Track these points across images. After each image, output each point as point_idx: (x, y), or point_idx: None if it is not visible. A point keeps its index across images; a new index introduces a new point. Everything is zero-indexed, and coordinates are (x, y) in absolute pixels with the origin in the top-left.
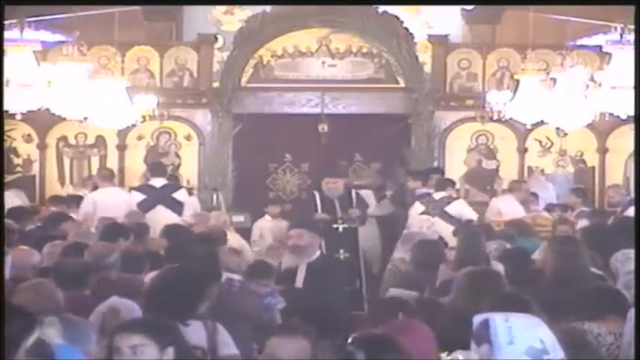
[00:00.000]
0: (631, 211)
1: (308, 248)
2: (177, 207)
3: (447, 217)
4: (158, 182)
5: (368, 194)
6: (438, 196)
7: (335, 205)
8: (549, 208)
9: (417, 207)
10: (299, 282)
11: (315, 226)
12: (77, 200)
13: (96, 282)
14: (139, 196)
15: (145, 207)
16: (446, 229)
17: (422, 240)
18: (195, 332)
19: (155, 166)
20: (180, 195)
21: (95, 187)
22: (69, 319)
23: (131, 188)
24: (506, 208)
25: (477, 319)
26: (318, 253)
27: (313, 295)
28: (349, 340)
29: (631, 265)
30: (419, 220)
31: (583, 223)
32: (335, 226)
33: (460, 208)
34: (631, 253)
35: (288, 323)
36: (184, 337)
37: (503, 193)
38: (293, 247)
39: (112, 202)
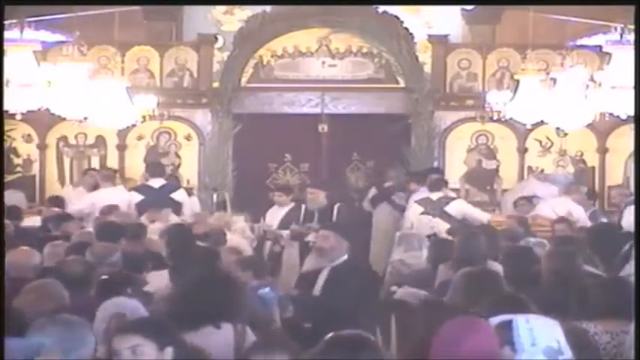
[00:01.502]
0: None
1: (332, 251)
2: (175, 207)
3: (446, 217)
4: (156, 183)
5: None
6: (435, 196)
7: (314, 218)
8: None
9: (416, 208)
10: (318, 287)
11: (343, 228)
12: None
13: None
14: (137, 197)
15: (144, 207)
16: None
17: (439, 239)
18: (224, 335)
19: (153, 167)
20: (178, 195)
21: (96, 187)
22: (67, 320)
23: (131, 188)
24: (575, 211)
25: (495, 321)
26: (344, 257)
27: (330, 302)
28: (326, 339)
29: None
30: (428, 221)
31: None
32: (307, 240)
33: (460, 208)
34: None
35: (268, 339)
36: (183, 338)
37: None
38: (317, 249)
39: (113, 202)
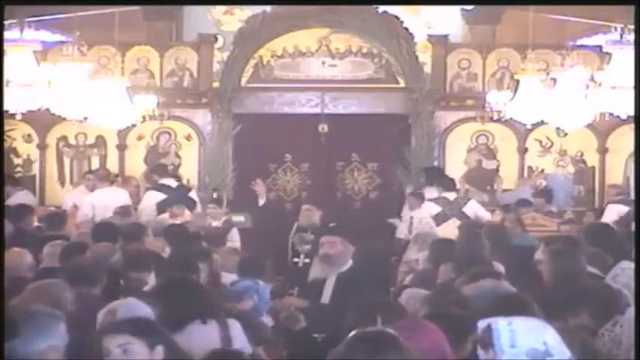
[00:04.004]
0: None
1: (339, 258)
2: (193, 206)
3: (464, 217)
4: (171, 182)
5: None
6: (451, 196)
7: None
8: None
9: (431, 208)
10: (326, 295)
11: (349, 233)
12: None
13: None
14: (160, 196)
15: (166, 206)
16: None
17: (440, 239)
18: (210, 329)
19: (162, 168)
20: (193, 194)
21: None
22: (34, 312)
23: (149, 188)
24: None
25: (482, 324)
26: (350, 263)
27: (342, 310)
28: (349, 337)
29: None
30: (427, 221)
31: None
32: (295, 260)
33: (475, 209)
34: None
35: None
36: (171, 337)
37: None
38: (323, 256)
39: (111, 202)
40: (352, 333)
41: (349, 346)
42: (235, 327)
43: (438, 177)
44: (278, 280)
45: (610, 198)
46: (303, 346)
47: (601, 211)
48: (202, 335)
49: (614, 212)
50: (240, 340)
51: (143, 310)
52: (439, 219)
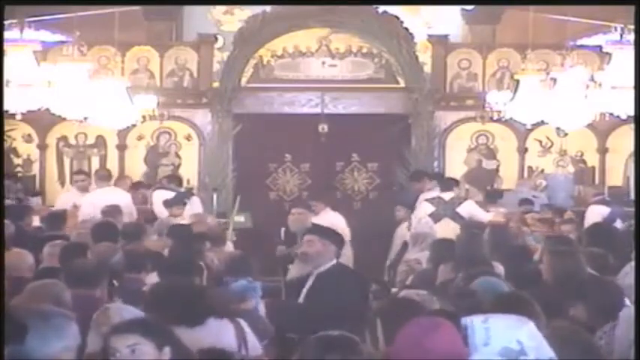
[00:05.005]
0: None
1: (318, 257)
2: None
3: (458, 218)
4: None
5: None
6: (447, 196)
7: (297, 241)
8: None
9: (427, 208)
10: (303, 294)
11: (329, 232)
12: None
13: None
14: (168, 194)
15: (174, 203)
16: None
17: (440, 239)
18: (227, 326)
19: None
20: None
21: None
22: (44, 311)
23: (155, 188)
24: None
25: (463, 322)
26: (332, 262)
27: (314, 310)
28: (310, 338)
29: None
30: (427, 222)
31: None
32: (290, 266)
33: (470, 209)
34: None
35: None
36: (179, 339)
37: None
38: (301, 255)
39: (111, 202)
40: (314, 336)
41: (308, 349)
42: (246, 326)
43: (424, 179)
44: (272, 281)
45: (589, 199)
46: (279, 346)
47: (582, 214)
48: (221, 331)
49: (595, 213)
50: (252, 339)
51: (131, 314)
52: (433, 219)
